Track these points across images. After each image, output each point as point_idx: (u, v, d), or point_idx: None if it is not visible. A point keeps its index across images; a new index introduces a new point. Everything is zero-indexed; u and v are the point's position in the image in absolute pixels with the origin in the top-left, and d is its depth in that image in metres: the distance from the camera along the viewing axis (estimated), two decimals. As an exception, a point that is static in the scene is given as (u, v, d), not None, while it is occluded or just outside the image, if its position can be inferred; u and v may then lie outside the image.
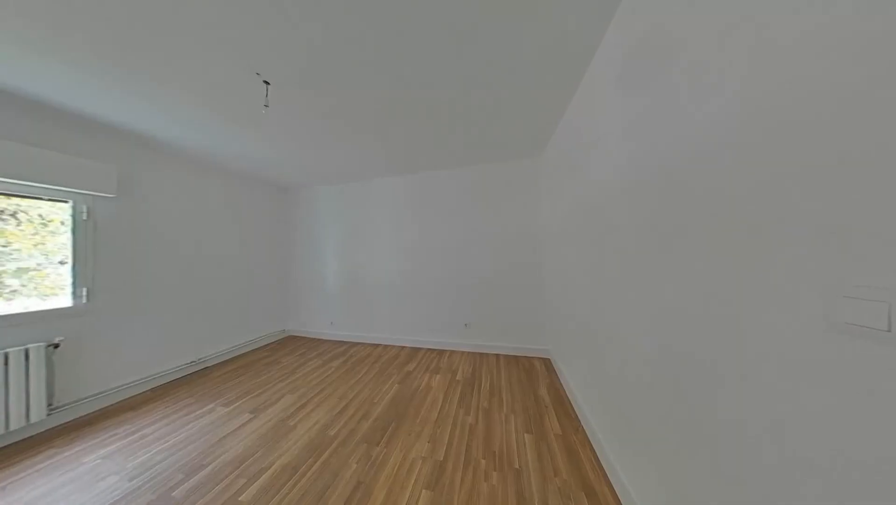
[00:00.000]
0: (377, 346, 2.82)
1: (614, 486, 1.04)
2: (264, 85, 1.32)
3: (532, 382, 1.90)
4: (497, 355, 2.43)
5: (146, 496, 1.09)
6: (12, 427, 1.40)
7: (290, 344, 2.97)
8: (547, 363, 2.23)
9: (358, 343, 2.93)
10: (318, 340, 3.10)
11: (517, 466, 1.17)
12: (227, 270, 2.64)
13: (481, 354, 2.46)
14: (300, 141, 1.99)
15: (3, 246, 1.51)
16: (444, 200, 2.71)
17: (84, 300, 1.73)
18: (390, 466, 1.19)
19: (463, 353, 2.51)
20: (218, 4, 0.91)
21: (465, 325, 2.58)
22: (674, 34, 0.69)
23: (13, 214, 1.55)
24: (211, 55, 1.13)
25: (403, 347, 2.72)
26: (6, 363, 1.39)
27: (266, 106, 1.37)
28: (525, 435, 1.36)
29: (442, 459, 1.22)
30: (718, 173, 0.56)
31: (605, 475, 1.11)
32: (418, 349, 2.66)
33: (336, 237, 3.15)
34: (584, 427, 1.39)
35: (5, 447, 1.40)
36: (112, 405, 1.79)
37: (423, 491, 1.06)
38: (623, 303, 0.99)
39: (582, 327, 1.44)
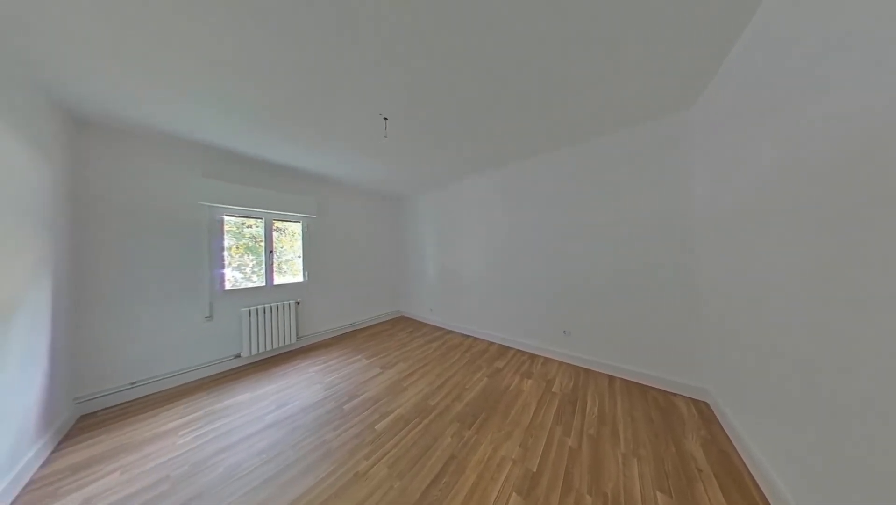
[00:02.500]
0: (468, 336, 3.03)
1: None
2: (384, 121, 1.73)
3: (671, 428, 1.42)
4: (611, 377, 1.97)
5: (331, 403, 1.77)
6: (284, 344, 2.65)
7: (402, 323, 3.76)
8: (702, 408, 1.57)
9: (451, 331, 3.27)
10: (421, 322, 3.74)
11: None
12: (366, 260, 3.69)
13: (586, 370, 2.09)
14: (405, 158, 2.45)
15: (280, 248, 2.86)
16: (538, 191, 2.47)
17: (307, 278, 2.98)
18: (480, 454, 1.26)
19: (560, 363, 2.24)
20: (358, 72, 1.28)
21: (564, 332, 2.26)
22: None
23: (283, 230, 2.90)
24: (355, 112, 1.62)
25: (492, 343, 2.77)
26: (281, 310, 2.68)
27: (385, 137, 1.81)
28: (658, 493, 1.05)
29: (535, 470, 1.17)
30: None
31: None
32: (508, 348, 2.62)
33: (432, 236, 3.64)
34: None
35: (280, 355, 2.65)
36: (318, 342, 2.99)
37: (514, 494, 1.06)
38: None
39: (794, 368, 0.89)
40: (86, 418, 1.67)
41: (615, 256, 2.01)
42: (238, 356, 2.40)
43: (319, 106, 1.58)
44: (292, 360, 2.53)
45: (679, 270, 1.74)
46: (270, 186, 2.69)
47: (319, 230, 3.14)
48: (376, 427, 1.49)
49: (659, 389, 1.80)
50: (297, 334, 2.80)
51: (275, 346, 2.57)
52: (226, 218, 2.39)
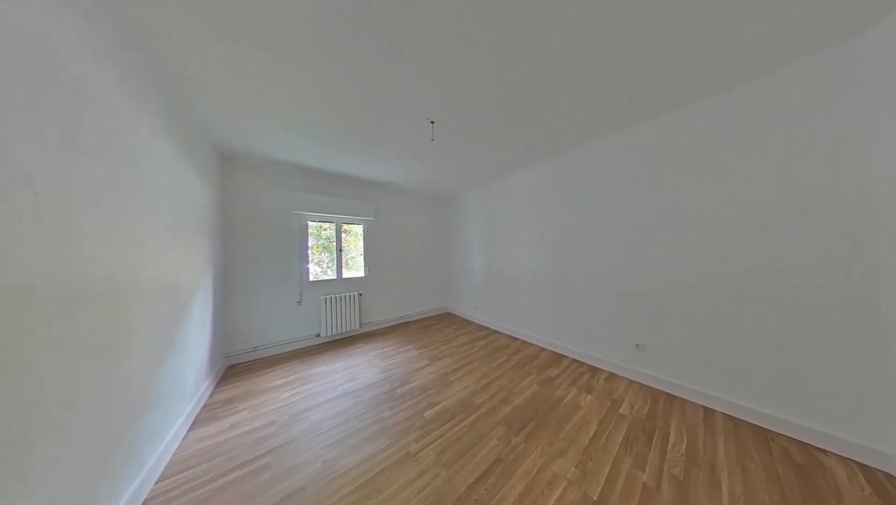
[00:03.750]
0: (515, 339, 2.92)
1: None
2: (430, 124, 1.81)
3: (817, 496, 1.03)
4: (707, 409, 1.56)
5: (387, 385, 2.00)
6: (350, 328, 3.11)
7: (448, 319, 3.90)
8: (878, 480, 1.09)
9: (497, 331, 3.21)
10: (467, 320, 3.79)
11: None
12: (416, 258, 3.97)
13: (668, 396, 1.73)
14: (451, 158, 2.51)
15: (347, 247, 3.36)
16: (601, 180, 2.15)
17: (367, 273, 3.42)
18: (529, 464, 1.21)
19: (631, 381, 1.93)
20: (406, 81, 1.39)
21: (637, 346, 1.92)
22: None
23: (349, 232, 3.40)
24: (405, 120, 1.76)
25: (543, 349, 2.59)
26: (348, 300, 3.14)
27: (432, 140, 1.90)
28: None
29: (595, 499, 1.04)
30: None
31: None
32: (562, 356, 2.41)
33: (478, 235, 3.62)
34: None
35: (347, 338, 3.12)
36: (376, 330, 3.41)
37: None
38: None
39: None
40: (231, 368, 2.35)
41: (718, 253, 1.55)
42: (318, 335, 2.94)
43: (374, 121, 1.77)
44: (356, 343, 2.95)
45: (838, 275, 1.23)
46: (339, 195, 3.17)
47: (376, 231, 3.53)
48: (425, 414, 1.61)
49: (793, 438, 1.33)
50: (360, 321, 3.24)
51: (343, 329, 3.05)
52: (309, 223, 2.95)
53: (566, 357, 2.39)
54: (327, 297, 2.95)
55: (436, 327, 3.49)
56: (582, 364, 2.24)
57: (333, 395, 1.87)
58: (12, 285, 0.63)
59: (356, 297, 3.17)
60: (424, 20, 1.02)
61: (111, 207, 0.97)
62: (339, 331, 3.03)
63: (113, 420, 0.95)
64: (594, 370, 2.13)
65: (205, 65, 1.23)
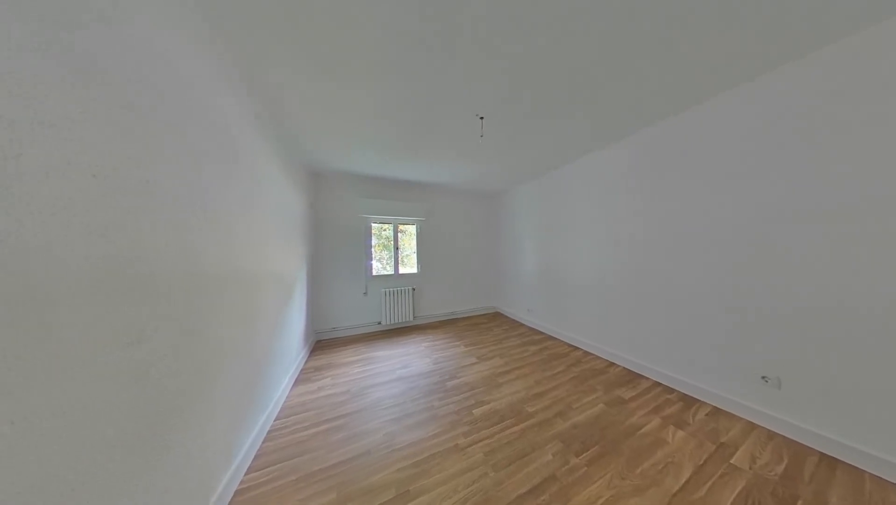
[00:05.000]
0: (575, 348, 2.62)
1: None
2: (479, 120, 1.79)
3: None
4: (889, 484, 1.06)
5: (437, 376, 2.12)
6: (405, 320, 3.42)
7: (498, 319, 3.80)
8: None
9: (553, 337, 2.95)
10: (517, 322, 3.62)
11: None
12: (465, 256, 4.02)
13: (821, 456, 1.22)
14: (501, 152, 2.43)
15: (403, 245, 3.69)
16: (712, 155, 1.66)
17: (420, 270, 3.69)
18: (592, 493, 1.07)
19: (753, 426, 1.43)
20: (456, 81, 1.42)
21: (764, 379, 1.41)
22: None
23: (404, 231, 3.72)
24: (454, 120, 1.80)
25: (613, 364, 2.23)
26: (404, 294, 3.45)
27: (481, 136, 1.88)
28: None
29: None
30: None
31: None
32: (640, 376, 2.02)
33: (532, 231, 3.38)
34: None
35: (402, 328, 3.43)
36: (428, 323, 3.64)
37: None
38: None
39: None
40: (318, 343, 2.93)
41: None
42: (379, 323, 3.35)
43: (425, 125, 1.88)
44: (410, 334, 3.22)
45: None
46: (396, 198, 3.50)
47: (428, 230, 3.75)
48: (473, 412, 1.64)
49: None
50: (413, 314, 3.53)
51: (399, 320, 3.38)
52: (372, 224, 3.38)
53: (645, 378, 2.00)
54: (387, 290, 3.32)
55: (484, 326, 3.46)
56: (670, 390, 1.83)
57: (391, 377, 2.10)
58: (198, 272, 0.96)
59: (410, 291, 3.45)
60: (476, 12, 1.01)
61: (248, 218, 1.35)
62: (396, 321, 3.37)
63: (249, 371, 1.34)
64: (689, 400, 1.70)
65: (299, 103, 1.57)
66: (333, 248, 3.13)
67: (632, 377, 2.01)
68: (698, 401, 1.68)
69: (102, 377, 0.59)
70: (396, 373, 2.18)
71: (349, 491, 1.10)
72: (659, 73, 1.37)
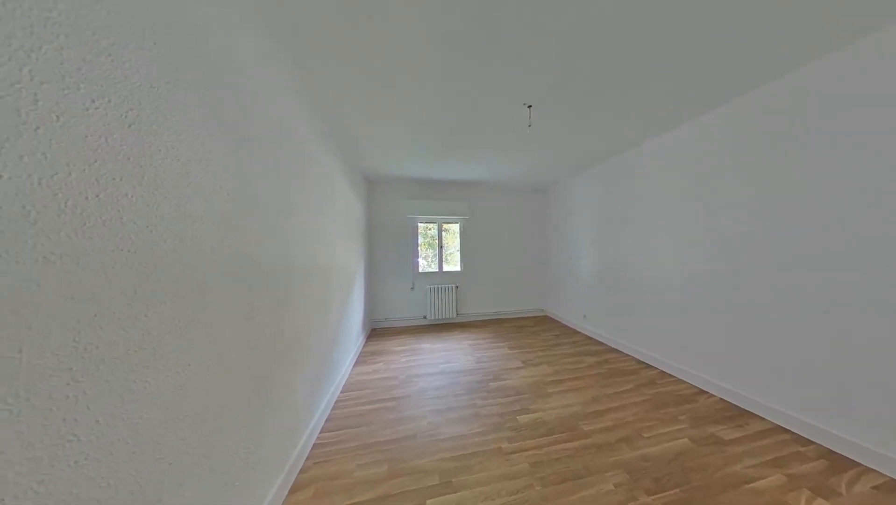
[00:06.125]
0: (647, 366, 2.21)
1: None
2: (527, 109, 1.67)
3: None
4: None
5: (480, 375, 2.10)
6: (448, 316, 3.51)
7: (546, 323, 3.52)
8: None
9: (616, 350, 2.56)
10: (570, 328, 3.27)
11: None
12: (510, 255, 3.87)
13: None
14: (553, 140, 2.22)
15: (447, 243, 3.79)
16: (855, 119, 1.16)
17: (463, 268, 3.72)
18: None
19: None
20: (500, 68, 1.36)
21: None
22: None
23: (448, 230, 3.81)
24: (499, 113, 1.74)
25: (705, 393, 1.78)
26: (447, 291, 3.55)
27: (529, 126, 1.75)
28: None
29: None
30: None
31: None
32: (748, 413, 1.56)
33: (590, 227, 2.99)
34: None
35: (445, 324, 3.53)
36: (470, 321, 3.65)
37: None
38: None
39: None
40: (373, 331, 3.30)
41: None
42: (424, 318, 3.54)
43: (468, 123, 1.88)
44: (452, 330, 3.29)
45: None
46: (440, 198, 3.61)
47: (471, 228, 3.74)
48: (518, 418, 1.57)
49: None
50: (456, 311, 3.59)
51: (443, 316, 3.50)
52: (419, 224, 3.58)
53: (758, 417, 1.53)
54: (432, 286, 3.48)
55: (531, 329, 3.27)
56: (803, 440, 1.34)
57: (435, 370, 2.20)
58: (288, 266, 1.20)
59: (454, 288, 3.52)
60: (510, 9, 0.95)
61: (322, 222, 1.62)
62: (440, 317, 3.49)
63: (323, 348, 1.61)
64: (837, 460, 1.22)
65: (355, 118, 1.78)
66: (385, 247, 3.45)
67: (735, 413, 1.57)
68: (857, 464, 1.19)
69: (231, 342, 0.80)
70: (440, 367, 2.27)
71: (398, 468, 1.21)
72: (779, 9, 1.00)
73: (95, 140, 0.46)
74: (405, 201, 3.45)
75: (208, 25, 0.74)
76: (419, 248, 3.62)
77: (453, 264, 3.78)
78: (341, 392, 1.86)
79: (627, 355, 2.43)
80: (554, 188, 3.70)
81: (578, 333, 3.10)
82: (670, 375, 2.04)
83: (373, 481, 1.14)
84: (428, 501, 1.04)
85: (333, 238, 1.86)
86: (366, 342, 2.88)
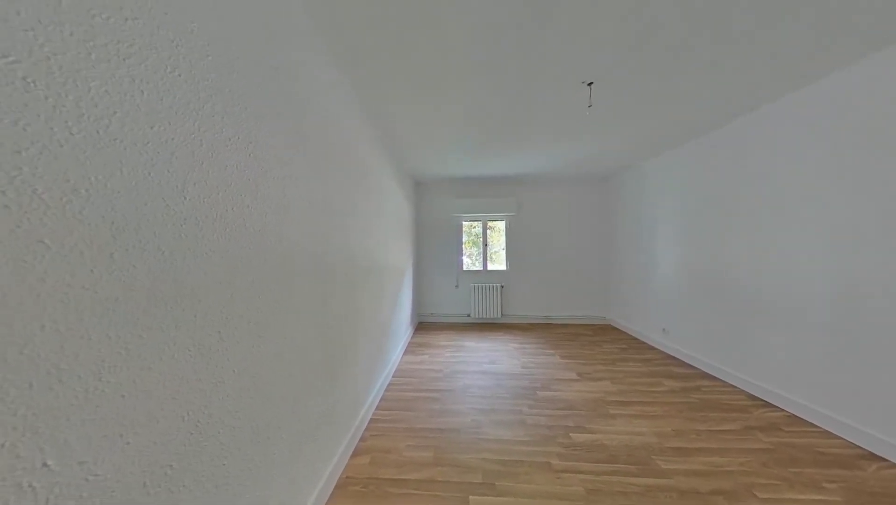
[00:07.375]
0: (764, 403, 1.68)
1: None
2: (588, 87, 1.46)
3: None
4: None
5: (527, 381, 1.98)
6: (492, 316, 3.44)
7: (610, 333, 3.06)
8: None
9: (712, 376, 2.03)
10: (644, 343, 2.76)
11: None
12: (563, 254, 3.52)
13: None
14: (625, 116, 1.91)
15: (491, 242, 3.70)
16: None
17: (509, 267, 3.58)
18: None
19: None
20: (556, 47, 1.23)
21: None
22: None
23: (493, 228, 3.71)
24: (554, 95, 1.59)
25: (872, 456, 1.24)
26: (492, 290, 3.47)
27: (590, 105, 1.54)
28: None
29: None
30: None
31: None
32: None
33: (672, 220, 2.45)
34: None
35: (490, 324, 3.46)
36: (516, 323, 3.49)
37: None
38: None
39: None
40: (420, 324, 3.52)
41: None
42: (468, 316, 3.56)
43: (517, 116, 1.78)
44: (497, 331, 3.20)
45: None
46: (484, 195, 3.54)
47: (517, 225, 3.56)
48: (571, 435, 1.42)
49: None
50: (501, 311, 3.48)
51: (487, 315, 3.45)
52: (463, 222, 3.61)
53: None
54: (476, 285, 3.47)
55: (588, 339, 2.90)
56: None
57: (479, 369, 2.19)
58: (352, 262, 1.39)
59: (498, 288, 3.42)
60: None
61: (378, 223, 1.81)
62: (484, 316, 3.45)
63: (379, 335, 1.80)
64: None
65: (406, 125, 1.90)
66: (431, 245, 3.61)
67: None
68: None
69: (310, 325, 0.98)
70: (483, 367, 2.25)
71: (442, 457, 1.26)
72: None
73: (232, 168, 0.64)
74: (451, 200, 3.52)
75: (299, 67, 0.92)
76: (463, 245, 3.65)
77: (498, 263, 3.67)
78: (392, 377, 2.05)
79: (731, 385, 1.90)
80: (619, 175, 3.16)
81: (654, 349, 2.59)
82: (807, 422, 1.50)
83: (420, 464, 1.22)
84: (471, 497, 1.05)
85: (387, 238, 2.05)
86: (414, 334, 3.09)
